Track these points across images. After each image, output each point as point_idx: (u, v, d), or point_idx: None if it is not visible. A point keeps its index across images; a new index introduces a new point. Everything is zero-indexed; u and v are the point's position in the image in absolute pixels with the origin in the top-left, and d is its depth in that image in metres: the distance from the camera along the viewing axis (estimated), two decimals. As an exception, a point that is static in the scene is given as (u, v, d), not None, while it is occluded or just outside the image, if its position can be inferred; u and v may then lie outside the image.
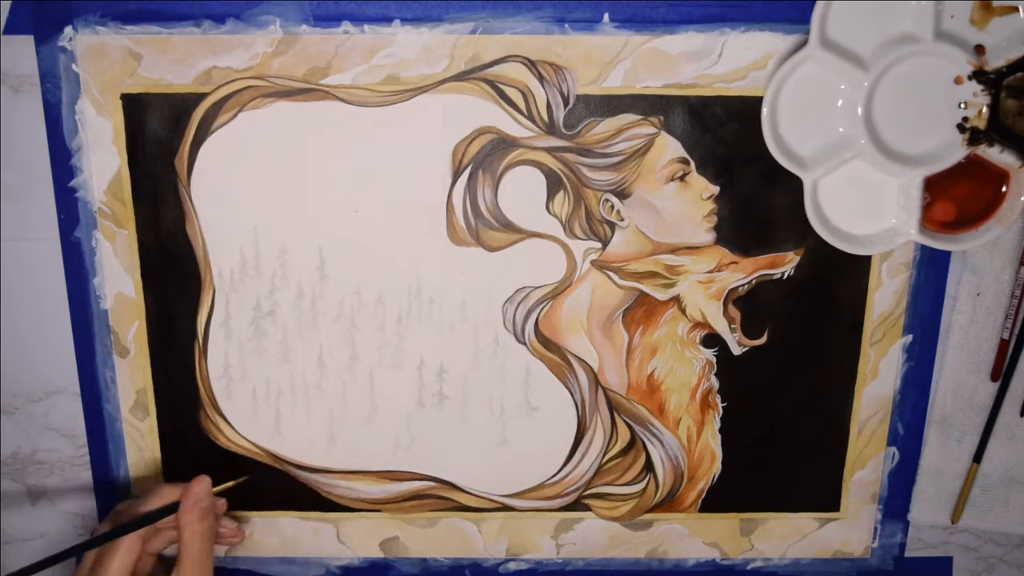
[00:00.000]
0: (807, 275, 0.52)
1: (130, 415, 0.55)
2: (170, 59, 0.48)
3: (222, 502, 0.52)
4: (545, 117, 0.49)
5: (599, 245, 0.51)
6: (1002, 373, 0.53)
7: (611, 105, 0.49)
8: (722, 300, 0.52)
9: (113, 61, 0.48)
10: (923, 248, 0.51)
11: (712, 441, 0.55)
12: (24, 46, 0.48)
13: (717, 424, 0.55)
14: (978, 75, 0.45)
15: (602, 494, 0.56)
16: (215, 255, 0.52)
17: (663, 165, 0.50)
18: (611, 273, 0.52)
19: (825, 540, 0.57)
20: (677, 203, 0.51)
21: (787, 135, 0.47)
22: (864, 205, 0.48)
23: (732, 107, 0.49)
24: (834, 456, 0.55)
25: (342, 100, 0.49)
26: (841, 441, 0.55)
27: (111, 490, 0.56)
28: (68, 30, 0.48)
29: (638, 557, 0.58)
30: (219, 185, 0.50)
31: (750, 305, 0.52)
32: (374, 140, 0.50)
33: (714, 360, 0.54)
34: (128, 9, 0.47)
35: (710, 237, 0.51)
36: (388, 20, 0.48)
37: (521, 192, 0.50)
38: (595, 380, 0.54)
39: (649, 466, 0.55)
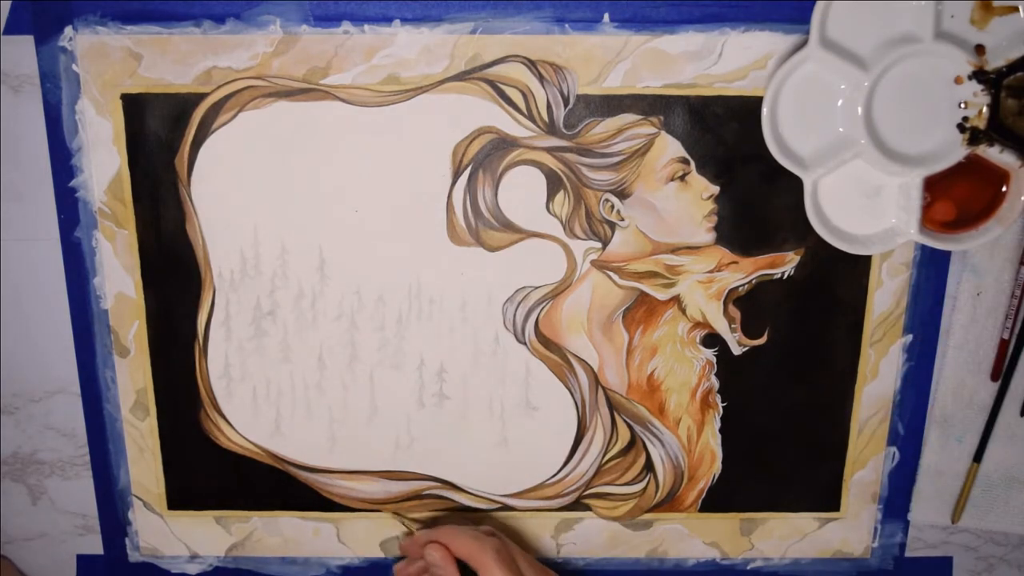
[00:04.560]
0: (807, 275, 0.52)
1: (130, 415, 0.55)
2: (170, 59, 0.48)
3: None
4: (545, 117, 0.49)
5: (599, 245, 0.51)
6: (1002, 373, 0.53)
7: (611, 105, 0.49)
8: (722, 300, 0.52)
9: (113, 61, 0.48)
10: (923, 248, 0.51)
11: (712, 441, 0.55)
12: (24, 46, 0.48)
13: (717, 424, 0.55)
14: (978, 75, 0.45)
15: (602, 494, 0.56)
16: (215, 255, 0.52)
17: (663, 165, 0.50)
18: (611, 273, 0.52)
19: (825, 540, 0.57)
20: (677, 203, 0.51)
21: (787, 135, 0.47)
22: (864, 205, 0.48)
23: (732, 107, 0.49)
24: (834, 456, 0.55)
25: (342, 100, 0.49)
26: (841, 441, 0.55)
27: (111, 490, 0.56)
28: (68, 30, 0.48)
29: (638, 557, 0.58)
30: (219, 185, 0.50)
31: (750, 305, 0.52)
32: (374, 140, 0.49)
33: (714, 360, 0.54)
34: (128, 9, 0.47)
35: (710, 237, 0.51)
36: (388, 20, 0.48)
37: (521, 192, 0.50)
38: (595, 380, 0.54)
39: (649, 466, 0.55)
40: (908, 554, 0.58)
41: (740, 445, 0.55)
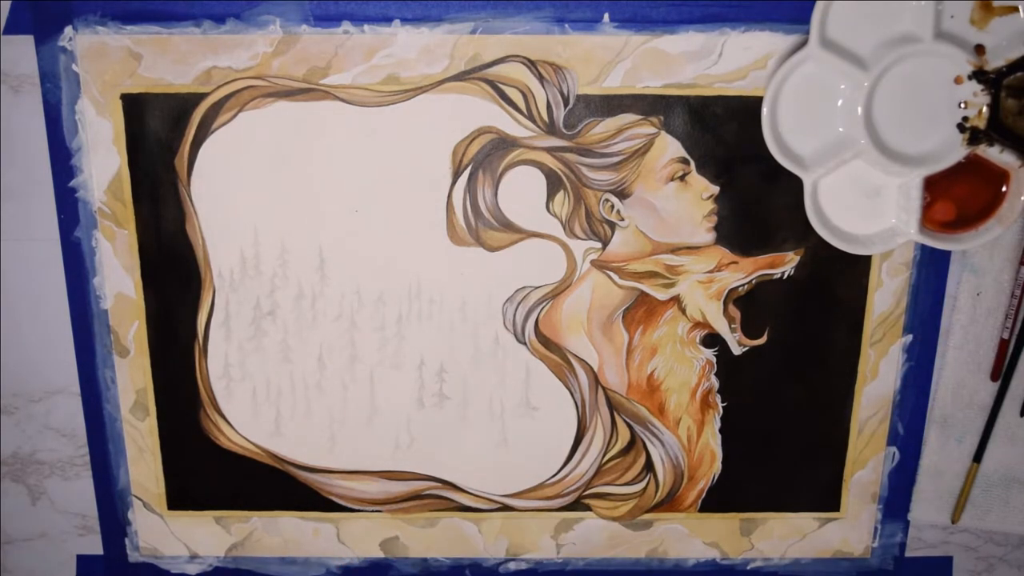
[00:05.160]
0: (807, 275, 0.52)
1: (130, 415, 0.55)
2: (170, 59, 0.48)
3: None
4: (545, 117, 0.49)
5: (599, 245, 0.51)
6: (1002, 373, 0.53)
7: (611, 105, 0.49)
8: (722, 300, 0.52)
9: (113, 61, 0.48)
10: (923, 248, 0.51)
11: (712, 441, 0.55)
12: (24, 46, 0.48)
13: (717, 424, 0.55)
14: (978, 75, 0.45)
15: (602, 494, 0.56)
16: (215, 255, 0.52)
17: (663, 165, 0.50)
18: (611, 273, 0.52)
19: (825, 540, 0.57)
20: (677, 203, 0.51)
21: (787, 135, 0.47)
22: (864, 205, 0.48)
23: (732, 107, 0.49)
24: (834, 456, 0.55)
25: (342, 100, 0.49)
26: (841, 441, 0.55)
27: (111, 490, 0.56)
28: (68, 30, 0.48)
29: (638, 557, 0.58)
30: (219, 185, 0.50)
31: (750, 305, 0.52)
32: (374, 140, 0.50)
33: (714, 360, 0.54)
34: (128, 9, 0.47)
35: (710, 237, 0.51)
36: (388, 20, 0.48)
37: (521, 192, 0.50)
38: (595, 380, 0.54)
39: (649, 466, 0.55)
40: (908, 554, 0.58)
41: (740, 445, 0.55)
